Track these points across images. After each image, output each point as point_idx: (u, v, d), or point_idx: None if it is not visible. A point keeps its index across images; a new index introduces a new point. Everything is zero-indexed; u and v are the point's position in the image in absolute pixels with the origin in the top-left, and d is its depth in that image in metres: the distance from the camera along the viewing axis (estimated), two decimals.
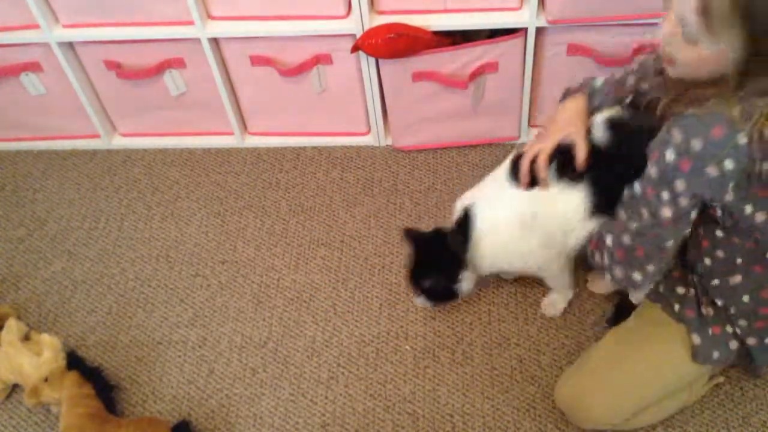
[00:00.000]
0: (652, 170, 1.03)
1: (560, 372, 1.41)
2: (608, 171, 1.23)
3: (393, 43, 1.56)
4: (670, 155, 0.99)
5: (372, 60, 1.65)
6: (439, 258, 1.37)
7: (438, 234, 1.39)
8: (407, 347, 1.49)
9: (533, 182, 1.27)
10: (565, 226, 1.30)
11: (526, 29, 1.59)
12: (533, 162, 1.27)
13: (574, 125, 1.25)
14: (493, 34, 1.64)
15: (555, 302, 1.50)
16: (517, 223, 1.32)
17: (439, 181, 1.78)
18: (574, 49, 1.62)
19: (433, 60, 1.63)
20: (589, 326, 1.48)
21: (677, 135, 0.98)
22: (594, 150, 1.23)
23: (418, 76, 1.66)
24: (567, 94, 1.34)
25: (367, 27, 1.58)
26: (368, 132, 1.88)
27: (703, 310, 1.19)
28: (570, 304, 1.50)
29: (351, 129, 1.87)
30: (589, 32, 1.59)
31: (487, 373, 1.43)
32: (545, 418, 1.36)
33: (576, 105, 1.28)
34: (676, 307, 1.21)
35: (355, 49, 1.60)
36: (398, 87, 1.70)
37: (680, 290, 1.22)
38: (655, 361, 1.22)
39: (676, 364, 1.20)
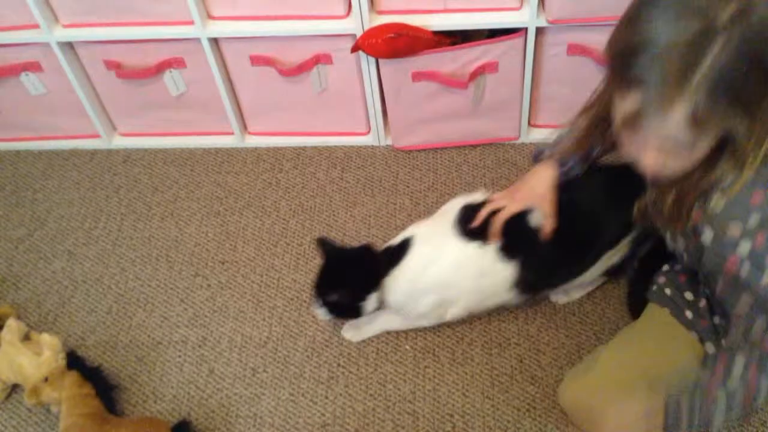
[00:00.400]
0: (740, 273, 0.99)
1: (560, 372, 1.41)
2: (540, 254, 1.29)
3: (393, 43, 1.56)
4: (745, 246, 0.96)
5: (372, 60, 1.65)
6: (354, 273, 1.36)
7: (364, 250, 1.38)
8: (407, 347, 1.49)
9: (480, 235, 1.30)
10: (489, 290, 1.34)
11: (526, 29, 1.59)
12: (491, 215, 1.29)
13: (544, 198, 1.27)
14: (493, 34, 1.64)
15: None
16: (447, 271, 1.33)
17: (439, 181, 1.78)
18: (574, 49, 1.62)
19: (433, 60, 1.63)
20: (590, 326, 1.48)
21: (735, 229, 0.96)
22: (531, 231, 1.28)
23: (418, 76, 1.66)
24: (539, 155, 1.34)
25: (367, 27, 1.58)
26: (368, 132, 1.88)
27: (716, 320, 1.18)
28: (570, 303, 1.50)
29: (351, 129, 1.87)
30: (589, 32, 1.59)
31: (487, 373, 1.43)
32: (545, 418, 1.36)
33: (548, 174, 1.28)
34: (688, 314, 1.20)
35: (355, 48, 1.60)
36: (398, 87, 1.70)
37: (689, 296, 1.21)
38: (666, 369, 1.19)
39: (687, 372, 1.18)
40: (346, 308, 1.37)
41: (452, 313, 1.40)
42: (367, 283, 1.34)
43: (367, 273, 1.35)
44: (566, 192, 1.30)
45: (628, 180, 1.15)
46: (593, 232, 1.32)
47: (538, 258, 1.31)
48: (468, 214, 1.33)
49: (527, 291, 1.36)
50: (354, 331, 1.50)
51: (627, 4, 1.53)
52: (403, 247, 1.35)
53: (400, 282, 1.34)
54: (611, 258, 1.37)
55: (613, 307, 1.50)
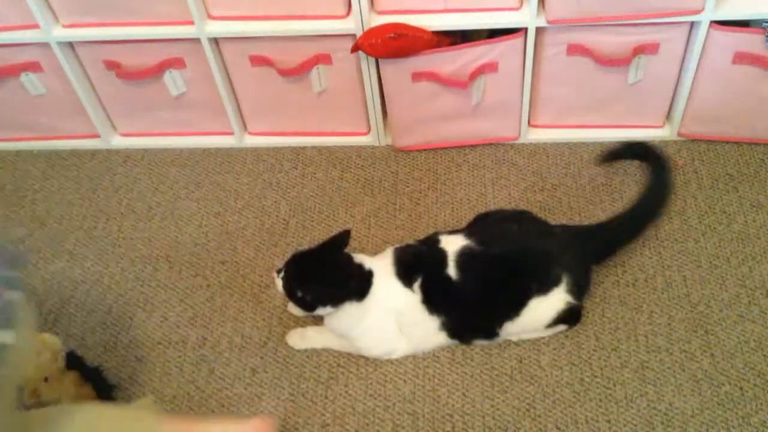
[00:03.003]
0: None
1: (560, 372, 1.41)
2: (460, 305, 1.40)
3: (393, 43, 1.56)
4: None
5: (372, 60, 1.65)
6: (333, 280, 1.37)
7: (356, 267, 1.39)
8: None
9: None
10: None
11: (526, 29, 1.59)
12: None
13: None
14: (493, 34, 1.64)
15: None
16: (388, 309, 1.39)
17: (439, 181, 1.78)
18: (574, 49, 1.62)
19: (433, 60, 1.63)
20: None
21: None
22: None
23: (418, 76, 1.66)
24: None
25: (366, 27, 1.58)
26: (368, 132, 1.88)
27: None
28: None
29: (351, 129, 1.87)
30: (589, 32, 1.59)
31: (487, 373, 1.43)
32: (545, 418, 1.36)
33: None
34: None
35: (355, 49, 1.60)
36: (398, 87, 1.70)
37: None
38: None
39: None
40: (301, 299, 1.37)
41: (399, 352, 1.46)
42: (334, 295, 1.37)
43: (342, 286, 1.37)
44: (480, 243, 1.39)
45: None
46: (508, 280, 1.38)
47: (459, 309, 1.40)
48: (404, 256, 1.41)
49: (455, 338, 1.44)
50: (298, 339, 1.50)
51: (627, 5, 1.54)
52: (370, 278, 1.38)
53: (350, 313, 1.38)
54: (547, 308, 1.39)
55: (613, 308, 1.50)
